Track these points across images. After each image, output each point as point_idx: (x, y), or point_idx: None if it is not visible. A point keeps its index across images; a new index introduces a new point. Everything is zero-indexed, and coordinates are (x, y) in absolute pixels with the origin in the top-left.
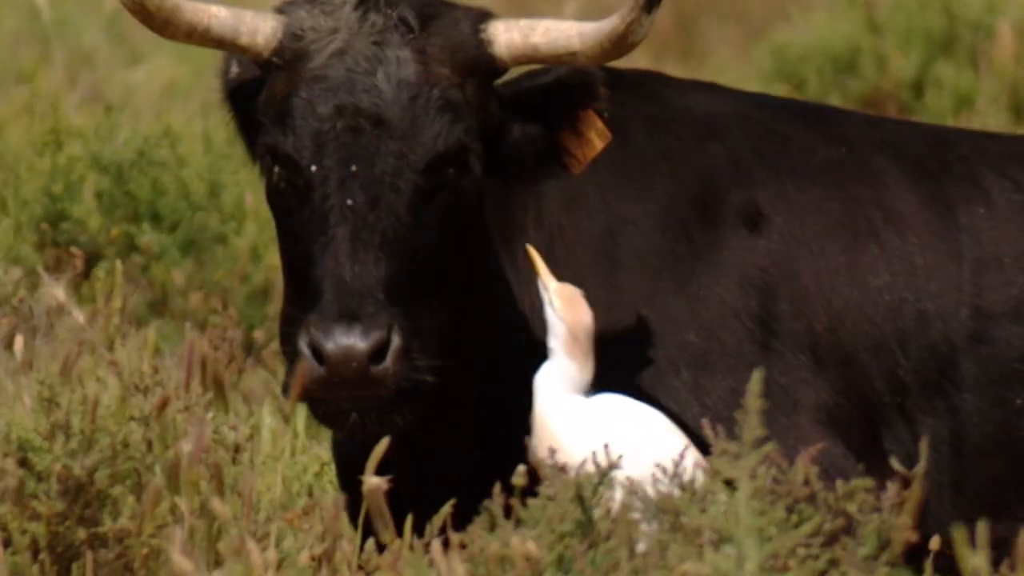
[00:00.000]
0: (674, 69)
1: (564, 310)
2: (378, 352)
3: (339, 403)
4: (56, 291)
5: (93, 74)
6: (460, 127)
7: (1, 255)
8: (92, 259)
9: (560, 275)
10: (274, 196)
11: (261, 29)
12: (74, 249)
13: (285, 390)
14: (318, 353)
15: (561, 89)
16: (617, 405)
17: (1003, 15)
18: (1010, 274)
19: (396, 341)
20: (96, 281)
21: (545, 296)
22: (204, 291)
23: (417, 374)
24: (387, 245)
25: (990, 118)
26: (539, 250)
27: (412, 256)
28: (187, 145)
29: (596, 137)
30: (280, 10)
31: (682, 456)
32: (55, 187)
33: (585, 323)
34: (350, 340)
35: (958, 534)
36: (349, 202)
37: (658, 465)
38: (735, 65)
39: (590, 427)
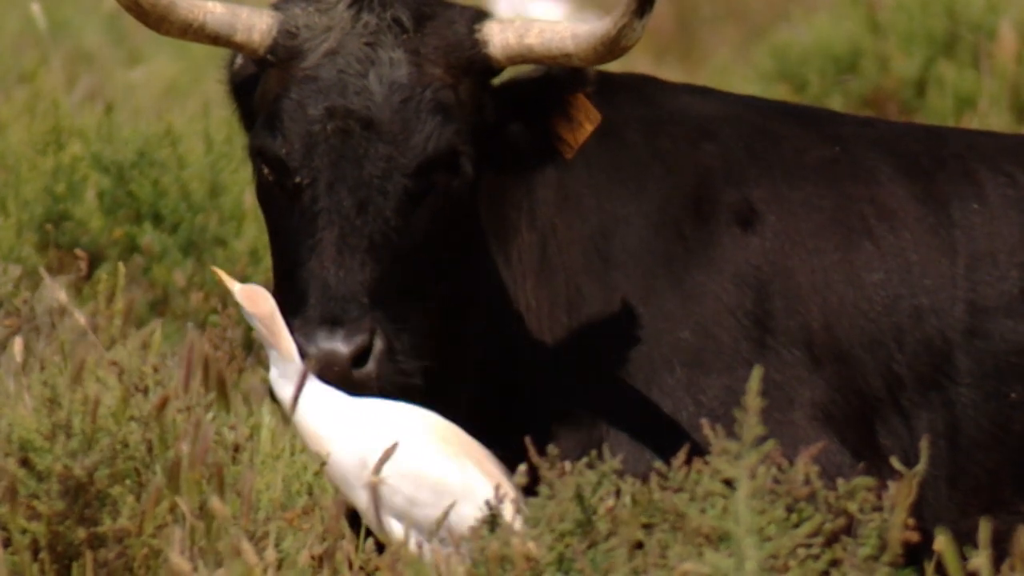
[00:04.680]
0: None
1: (250, 306)
2: (360, 356)
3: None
4: (58, 292)
5: (93, 74)
6: (451, 129)
7: (3, 255)
8: (94, 259)
9: (554, 275)
10: (264, 197)
11: (257, 26)
12: (78, 251)
13: (271, 396)
14: (302, 357)
15: (553, 80)
16: (379, 407)
17: (1005, 15)
18: (1004, 268)
19: (379, 344)
20: (97, 282)
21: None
22: (204, 291)
23: (402, 376)
24: (374, 248)
25: (992, 118)
26: (533, 249)
27: (400, 258)
28: (187, 145)
29: (586, 120)
30: (276, 7)
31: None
32: (57, 187)
33: (269, 309)
34: (332, 344)
35: (945, 536)
36: (336, 205)
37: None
38: (736, 66)
39: (351, 425)
